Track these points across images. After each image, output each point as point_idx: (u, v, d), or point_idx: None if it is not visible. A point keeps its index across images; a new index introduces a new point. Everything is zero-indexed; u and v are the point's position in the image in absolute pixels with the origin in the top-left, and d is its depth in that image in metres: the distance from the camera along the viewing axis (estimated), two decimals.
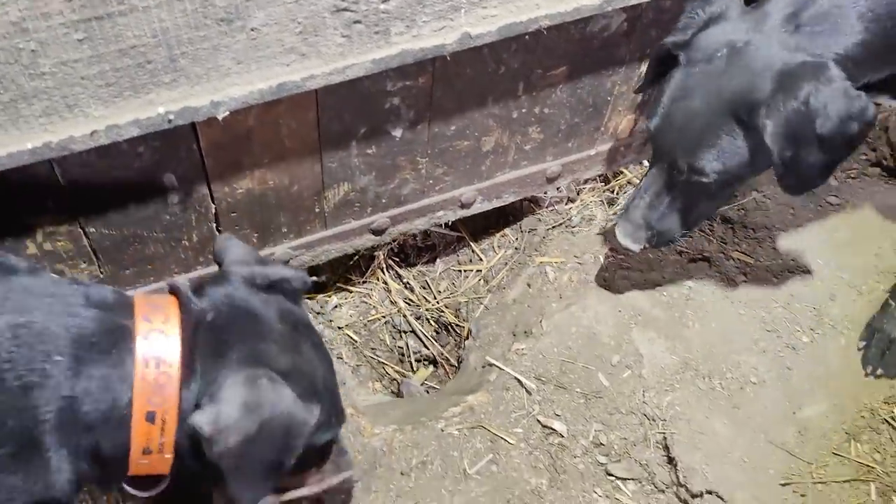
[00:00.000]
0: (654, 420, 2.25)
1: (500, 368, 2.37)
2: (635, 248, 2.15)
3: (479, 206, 2.53)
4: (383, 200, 2.33)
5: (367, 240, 2.42)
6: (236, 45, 1.64)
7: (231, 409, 1.33)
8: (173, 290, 1.48)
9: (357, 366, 2.60)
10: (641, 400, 2.28)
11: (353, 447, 2.19)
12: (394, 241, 2.70)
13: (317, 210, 2.24)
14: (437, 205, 2.43)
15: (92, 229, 1.93)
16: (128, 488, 1.51)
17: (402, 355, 2.71)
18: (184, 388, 1.37)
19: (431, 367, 2.70)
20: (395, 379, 2.66)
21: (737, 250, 2.58)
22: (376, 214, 2.36)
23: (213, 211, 2.07)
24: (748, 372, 2.33)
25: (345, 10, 1.69)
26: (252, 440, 1.34)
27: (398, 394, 2.65)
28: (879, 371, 2.36)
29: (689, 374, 2.32)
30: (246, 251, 1.65)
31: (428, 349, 2.69)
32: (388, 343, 2.69)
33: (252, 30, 1.63)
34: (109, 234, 1.96)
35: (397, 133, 2.12)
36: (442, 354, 2.69)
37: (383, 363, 2.65)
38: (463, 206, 2.48)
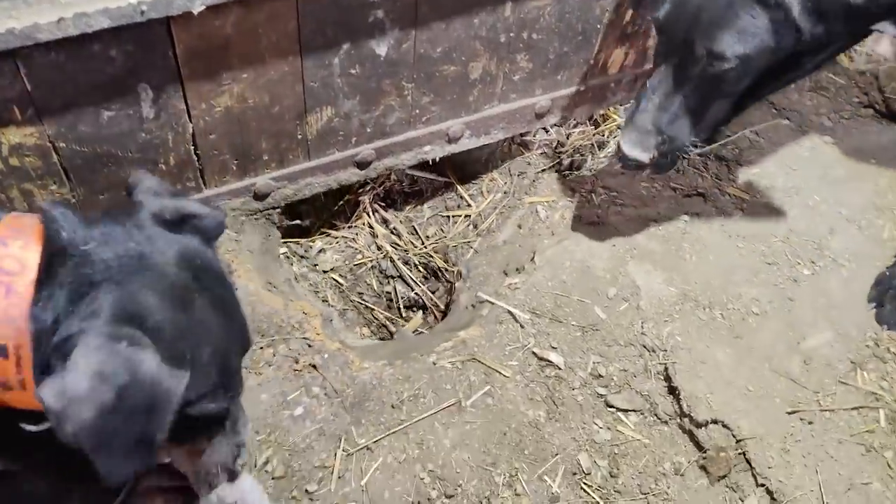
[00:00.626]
0: (653, 351, 2.17)
1: (493, 303, 2.28)
2: (644, 157, 2.02)
3: (467, 142, 2.44)
4: (368, 130, 2.24)
5: (352, 174, 2.33)
6: None
7: (80, 378, 1.14)
8: (47, 215, 1.27)
9: (343, 310, 2.51)
10: (640, 331, 2.20)
11: (340, 381, 2.09)
12: (379, 179, 2.62)
13: (299, 137, 2.15)
14: (424, 138, 2.35)
15: (62, 144, 1.83)
16: (24, 426, 1.31)
17: (391, 300, 2.61)
18: (35, 324, 1.21)
19: (420, 314, 2.60)
20: (384, 325, 2.56)
21: (732, 186, 2.52)
22: (361, 146, 2.27)
23: (191, 131, 1.97)
24: (749, 303, 2.26)
25: None
26: (110, 411, 1.16)
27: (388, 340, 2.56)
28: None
29: (688, 305, 2.24)
30: (159, 184, 1.44)
31: (416, 294, 2.60)
32: (376, 288, 2.59)
33: None
34: (81, 151, 1.86)
35: (382, 51, 2.04)
36: (431, 300, 2.60)
37: (371, 308, 2.55)
38: (451, 141, 2.40)
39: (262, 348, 2.11)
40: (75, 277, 1.23)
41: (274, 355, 2.11)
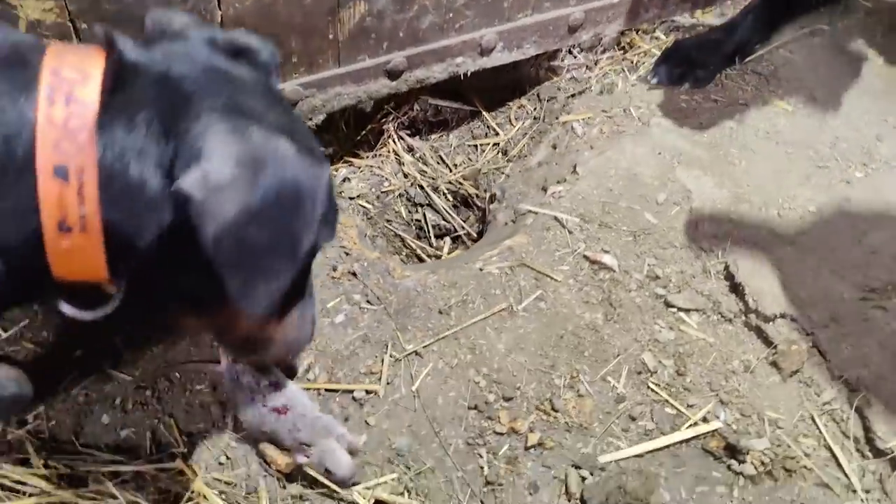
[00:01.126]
0: (712, 251, 2.05)
1: (537, 212, 2.15)
2: None
3: (500, 56, 2.34)
4: (400, 34, 2.13)
5: (382, 85, 2.21)
6: None
7: (222, 165, 0.96)
8: (107, 33, 1.06)
9: (374, 236, 2.36)
10: (696, 232, 2.08)
11: (382, 288, 1.94)
12: (406, 107, 2.50)
13: (330, 37, 2.03)
14: (456, 48, 2.24)
15: (83, 25, 1.69)
16: (65, 308, 1.12)
17: (420, 229, 2.47)
18: (106, 146, 0.99)
19: (450, 241, 2.47)
20: (415, 253, 2.41)
21: (774, 97, 2.43)
22: (393, 52, 2.16)
23: (220, 19, 1.85)
24: (805, 203, 2.15)
25: None
26: (254, 206, 0.97)
27: None
28: None
29: (743, 205, 2.13)
30: (193, 17, 1.23)
31: (448, 222, 2.46)
32: (405, 216, 2.46)
33: None
34: None
35: None
36: (463, 227, 2.47)
37: (401, 235, 2.41)
38: (483, 53, 2.29)
39: None
40: (158, 93, 1.03)
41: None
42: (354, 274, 1.96)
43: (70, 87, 0.99)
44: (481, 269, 2.01)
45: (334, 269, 1.95)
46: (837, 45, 2.63)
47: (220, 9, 1.83)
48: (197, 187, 0.94)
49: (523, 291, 1.98)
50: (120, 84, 1.01)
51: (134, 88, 1.02)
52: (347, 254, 1.99)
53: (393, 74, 2.20)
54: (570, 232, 2.09)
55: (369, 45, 2.11)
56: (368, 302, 1.92)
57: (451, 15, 2.17)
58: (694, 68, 2.44)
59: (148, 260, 1.04)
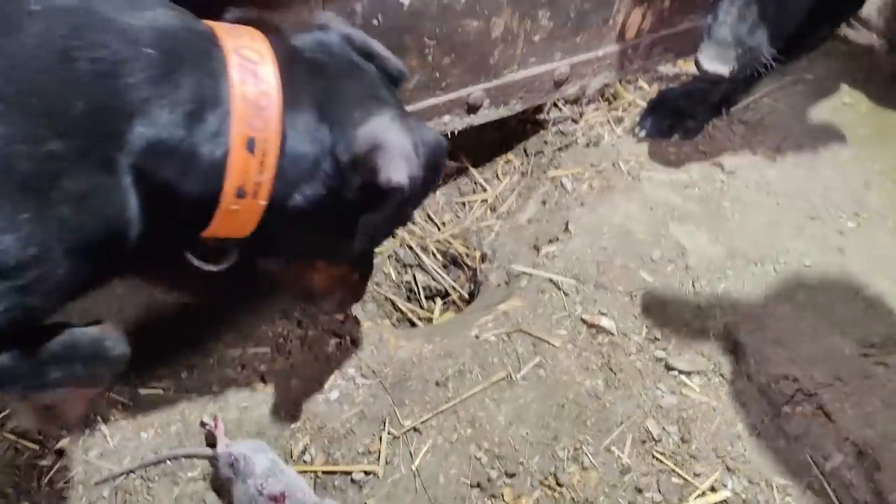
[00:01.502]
0: (710, 309, 2.02)
1: (531, 274, 2.11)
2: (724, 70, 1.93)
3: (486, 113, 2.31)
4: None
5: None
6: None
7: (402, 142, 1.21)
8: (263, 19, 1.25)
9: (364, 301, 2.30)
10: (693, 291, 2.05)
11: (377, 360, 1.89)
12: None
13: None
14: (444, 106, 2.21)
15: None
16: (192, 259, 1.28)
17: (411, 290, 2.42)
18: (288, 116, 1.15)
19: (441, 303, 2.41)
20: (407, 317, 2.35)
21: (762, 146, 2.42)
22: None
23: None
24: (800, 256, 2.13)
25: None
26: (419, 185, 1.27)
27: None
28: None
29: (738, 261, 2.11)
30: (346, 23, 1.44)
31: (438, 282, 2.41)
32: (394, 278, 2.40)
33: None
34: None
35: (405, 0, 1.91)
36: (454, 288, 2.41)
37: (391, 299, 2.35)
38: (470, 111, 2.26)
39: (289, 330, 1.90)
40: (314, 76, 1.21)
41: (301, 335, 1.90)
42: (348, 347, 1.90)
43: (254, 67, 1.12)
44: (477, 337, 1.96)
45: (327, 343, 1.89)
46: (820, 91, 2.63)
47: None
48: (403, 176, 1.18)
49: (521, 359, 1.93)
50: (289, 65, 1.17)
51: (297, 70, 1.19)
52: (341, 324, 1.93)
53: None
54: (565, 294, 2.05)
55: None
56: (363, 376, 1.86)
57: (437, 74, 2.13)
58: (683, 119, 2.43)
59: (286, 221, 1.23)
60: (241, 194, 1.13)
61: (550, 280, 2.07)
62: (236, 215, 1.16)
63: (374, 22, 1.91)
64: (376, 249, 2.38)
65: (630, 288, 2.06)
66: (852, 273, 2.11)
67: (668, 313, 2.02)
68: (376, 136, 1.20)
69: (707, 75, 1.97)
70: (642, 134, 2.44)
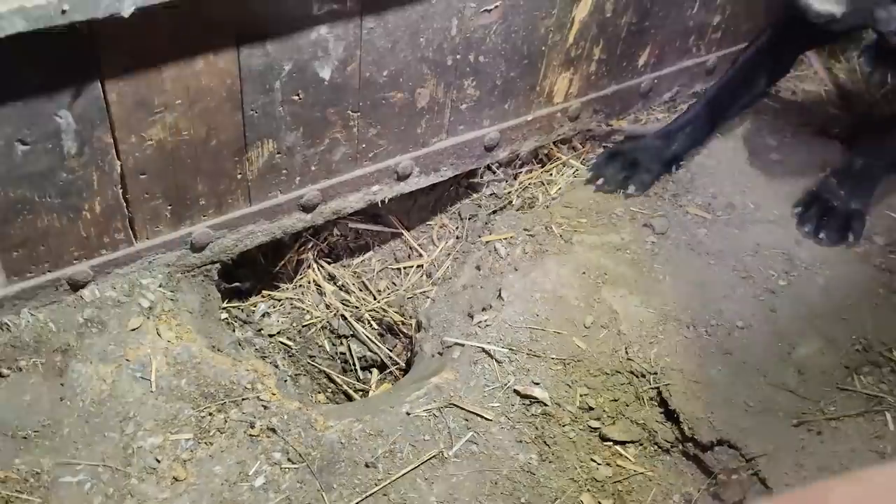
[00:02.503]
0: (643, 376, 2.00)
1: (463, 344, 2.08)
2: (837, 9, 1.85)
3: (417, 181, 2.29)
4: (313, 168, 2.07)
5: (297, 219, 2.13)
6: None
7: None
8: None
9: (296, 375, 2.25)
10: (625, 357, 2.03)
11: (304, 443, 1.83)
12: (325, 233, 2.43)
13: (239, 177, 1.96)
14: (372, 176, 2.19)
15: None
16: None
17: (345, 362, 2.37)
18: None
19: (377, 373, 2.37)
20: (342, 390, 2.31)
21: (693, 205, 2.43)
22: (306, 186, 2.09)
23: (119, 170, 1.76)
24: (732, 317, 2.13)
25: None
26: None
27: None
28: (822, 235, 2.34)
29: (671, 325, 2.10)
30: None
31: (373, 353, 2.37)
32: (328, 349, 2.35)
33: None
34: None
35: (326, 74, 1.89)
36: (390, 357, 2.37)
37: (325, 371, 2.30)
38: (399, 179, 2.24)
39: (211, 414, 1.84)
40: None
41: (225, 421, 1.84)
42: (274, 430, 1.84)
43: None
44: (408, 413, 1.91)
45: (252, 427, 1.83)
46: (750, 147, 2.67)
47: (118, 159, 1.74)
48: None
49: (454, 434, 1.89)
50: None
51: None
52: (266, 407, 1.87)
53: (307, 208, 2.13)
54: (498, 363, 2.02)
55: (281, 180, 2.04)
56: (290, 460, 1.81)
57: (364, 145, 2.12)
58: (638, 172, 2.47)
59: None
60: None
61: (483, 350, 2.04)
62: None
63: (295, 98, 1.89)
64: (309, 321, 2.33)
65: (563, 355, 2.04)
66: (784, 333, 2.12)
67: (601, 380, 2.00)
68: None
69: (817, 16, 1.88)
70: (598, 184, 2.47)
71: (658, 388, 1.97)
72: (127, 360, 1.87)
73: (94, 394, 1.82)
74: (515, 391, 1.97)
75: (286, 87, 1.86)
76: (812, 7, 1.90)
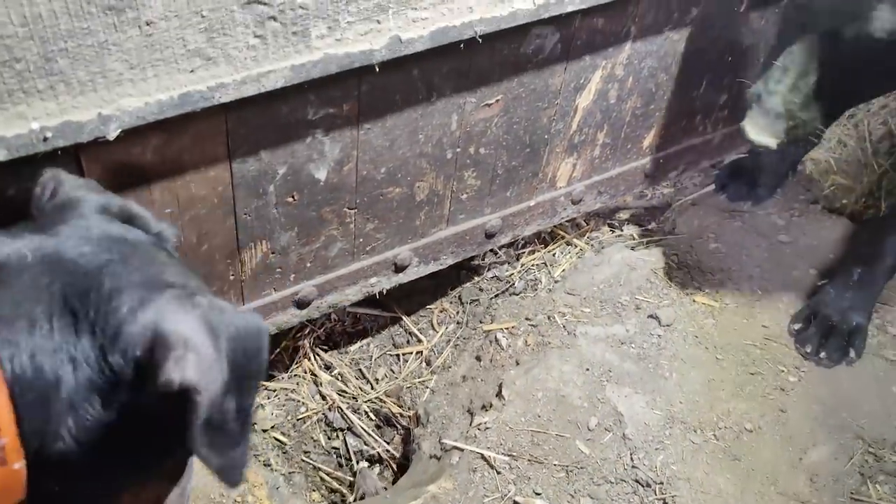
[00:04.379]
0: (648, 485, 1.93)
1: (462, 449, 2.01)
2: (772, 142, 1.87)
3: (416, 270, 2.23)
4: (308, 265, 2.01)
5: (292, 315, 2.07)
6: (128, 42, 1.35)
7: (201, 343, 0.91)
8: None
9: (290, 473, 2.18)
10: (630, 464, 1.96)
11: None
12: (319, 320, 2.37)
13: (231, 278, 1.90)
14: (370, 269, 2.13)
15: None
16: None
17: (340, 456, 2.30)
18: (3, 349, 0.91)
19: (376, 468, 2.30)
20: (335, 489, 2.23)
21: (700, 293, 2.37)
22: (301, 283, 2.03)
23: None
24: (741, 419, 2.06)
25: (256, 2, 1.44)
26: (227, 378, 0.93)
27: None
28: (822, 355, 2.23)
29: (677, 428, 2.03)
30: (87, 181, 1.25)
31: (370, 446, 2.30)
32: (324, 444, 2.28)
33: (147, 24, 1.35)
34: None
35: (322, 175, 1.84)
36: (387, 451, 2.30)
37: (319, 468, 2.23)
38: (398, 270, 2.19)
39: None
40: (53, 278, 0.97)
41: None
42: None
43: None
44: None
45: None
46: (758, 228, 2.61)
47: None
48: (194, 371, 0.89)
49: None
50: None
51: (18, 283, 0.95)
52: None
53: (302, 304, 2.07)
54: (498, 472, 1.95)
55: (275, 279, 1.98)
56: None
57: (361, 240, 2.06)
58: (755, 187, 2.61)
59: (65, 465, 0.96)
60: None
61: (482, 457, 1.97)
62: None
63: (290, 199, 1.84)
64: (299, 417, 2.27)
65: (565, 462, 1.96)
66: (795, 436, 2.04)
67: (604, 490, 1.93)
68: (154, 328, 0.93)
69: (753, 146, 1.92)
70: (723, 198, 2.63)
71: (665, 499, 1.90)
72: None
73: None
74: (515, 503, 1.90)
75: (280, 189, 1.80)
76: (748, 137, 1.93)
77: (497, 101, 2.00)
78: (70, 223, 1.08)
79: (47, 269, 0.98)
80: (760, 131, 1.90)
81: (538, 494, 1.91)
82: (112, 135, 1.40)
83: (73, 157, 1.46)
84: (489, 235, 2.32)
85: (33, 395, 0.91)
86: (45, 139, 1.34)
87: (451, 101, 1.92)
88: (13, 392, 0.89)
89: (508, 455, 1.97)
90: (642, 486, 1.93)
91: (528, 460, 1.96)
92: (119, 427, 0.96)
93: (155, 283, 1.01)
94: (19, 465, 0.90)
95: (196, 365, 0.90)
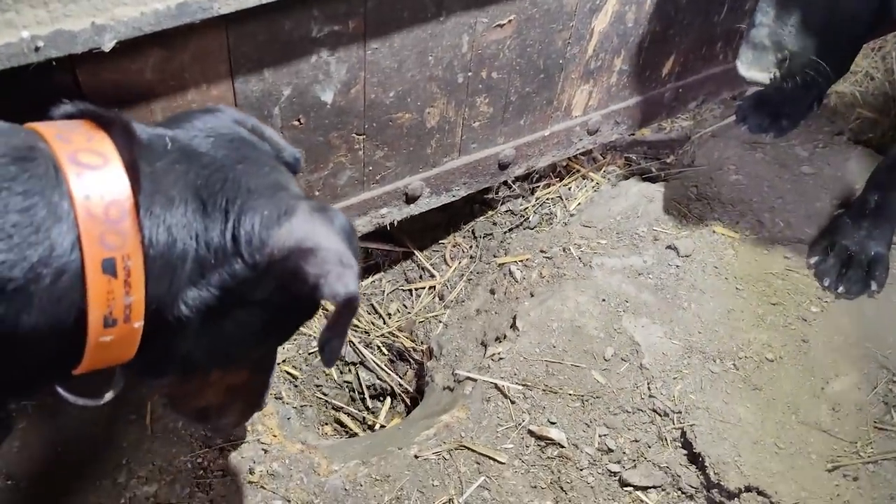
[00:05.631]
0: (666, 415, 1.89)
1: (476, 379, 1.97)
2: (763, 77, 1.81)
3: (427, 202, 2.18)
4: (316, 193, 1.96)
5: None
6: None
7: (336, 245, 1.04)
8: (104, 116, 1.03)
9: (301, 406, 2.16)
10: (647, 394, 1.92)
11: (306, 490, 1.74)
12: None
13: None
14: (380, 199, 2.08)
15: None
16: (65, 395, 1.12)
17: (353, 391, 2.27)
18: (152, 220, 0.99)
19: (389, 402, 2.27)
20: (344, 424, 2.20)
21: (720, 226, 2.30)
22: None
23: None
24: (761, 349, 2.01)
25: None
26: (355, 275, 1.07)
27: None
28: (841, 289, 2.15)
29: (696, 358, 1.98)
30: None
31: (383, 381, 2.27)
32: (336, 378, 2.26)
33: None
34: None
35: (328, 98, 1.78)
36: (400, 385, 2.27)
37: (331, 401, 2.21)
38: (409, 201, 2.13)
39: (210, 460, 1.76)
40: (188, 167, 1.06)
41: (223, 466, 1.76)
42: (274, 475, 1.75)
43: (97, 173, 0.95)
44: (417, 457, 1.81)
45: (251, 472, 1.74)
46: (780, 160, 2.53)
47: None
48: (354, 285, 1.02)
49: (464, 480, 1.79)
50: (147, 161, 1.01)
51: (161, 164, 1.04)
52: (266, 451, 1.78)
53: None
54: (512, 402, 1.91)
55: None
56: None
57: (370, 168, 2.01)
58: (778, 119, 2.41)
59: (174, 334, 1.07)
60: (110, 323, 0.97)
61: (496, 386, 1.93)
62: (110, 346, 1.00)
63: (296, 123, 1.78)
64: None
65: (581, 391, 1.93)
66: (817, 366, 1.99)
67: (621, 419, 1.89)
68: (303, 239, 1.04)
69: (745, 82, 1.87)
70: (744, 130, 2.45)
71: (682, 428, 1.86)
72: (122, 401, 1.79)
73: (86, 439, 1.74)
74: (530, 431, 1.86)
75: (286, 112, 1.75)
76: (740, 73, 1.87)
77: (509, 21, 1.93)
78: (206, 123, 1.17)
79: (184, 157, 1.07)
80: (750, 66, 1.84)
81: (553, 423, 1.87)
82: (107, 46, 1.34)
83: (70, 71, 1.41)
84: (503, 166, 2.26)
85: (162, 263, 1.00)
86: (37, 48, 1.28)
87: (461, 19, 1.84)
88: (147, 256, 0.97)
89: (523, 385, 1.93)
90: (660, 415, 1.89)
91: (543, 390, 1.93)
92: (227, 309, 1.08)
93: (290, 191, 1.13)
94: (139, 324, 0.99)
95: (354, 278, 1.03)
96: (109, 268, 0.93)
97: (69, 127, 1.02)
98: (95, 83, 1.45)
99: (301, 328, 2.29)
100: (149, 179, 1.00)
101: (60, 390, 1.13)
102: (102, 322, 0.95)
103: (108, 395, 1.19)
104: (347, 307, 1.05)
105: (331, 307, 2.33)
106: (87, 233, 0.92)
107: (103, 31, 1.33)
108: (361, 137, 1.92)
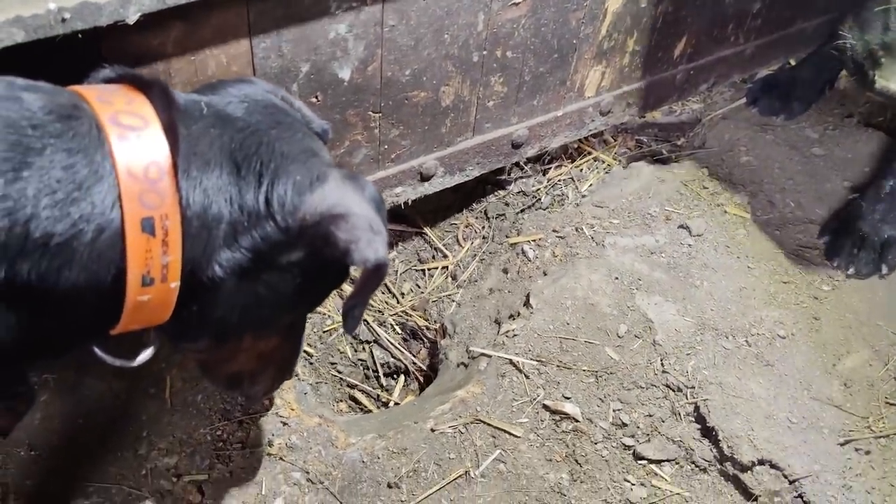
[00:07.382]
0: (679, 390, 1.90)
1: (490, 355, 1.99)
2: None
3: (441, 181, 2.20)
4: None
5: None
6: None
7: (366, 211, 1.07)
8: (142, 79, 1.05)
9: (317, 383, 2.18)
10: (661, 369, 1.94)
11: (324, 462, 1.76)
12: None
13: None
14: (395, 178, 2.09)
15: None
16: (101, 354, 1.15)
17: (367, 368, 2.29)
18: (189, 181, 1.01)
19: (402, 380, 2.29)
20: (367, 395, 2.23)
21: (732, 205, 2.31)
22: None
23: None
24: (774, 326, 2.03)
25: None
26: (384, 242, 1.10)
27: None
28: (851, 270, 2.17)
29: (709, 334, 2.00)
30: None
31: (396, 359, 2.29)
32: (350, 356, 2.28)
33: None
34: None
35: (345, 75, 1.79)
36: (413, 363, 2.29)
37: (345, 379, 2.23)
38: (423, 180, 2.15)
39: (229, 433, 1.78)
40: (223, 131, 1.07)
41: (242, 438, 1.78)
42: (293, 448, 1.77)
43: (138, 134, 0.98)
44: (433, 430, 1.83)
45: (270, 444, 1.77)
46: (791, 141, 2.54)
47: None
48: (384, 251, 1.05)
49: (480, 453, 1.81)
50: (185, 123, 1.04)
51: (197, 128, 1.06)
52: (285, 423, 1.80)
53: None
54: (527, 377, 1.93)
55: None
56: (310, 480, 1.74)
57: (386, 146, 2.02)
58: (790, 101, 2.56)
59: (208, 296, 1.09)
60: (147, 282, 0.99)
61: (511, 362, 1.95)
62: (147, 305, 1.02)
63: (314, 100, 1.80)
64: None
65: (595, 367, 1.94)
66: (829, 343, 2.01)
67: (635, 394, 1.91)
68: (334, 205, 1.07)
69: (886, 96, 1.80)
70: (754, 112, 2.58)
71: (696, 403, 1.88)
72: (141, 375, 1.81)
73: (107, 411, 1.76)
74: (545, 406, 1.88)
75: (304, 88, 1.76)
76: (889, 91, 1.80)
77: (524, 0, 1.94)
78: (240, 90, 1.19)
79: (219, 122, 1.09)
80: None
81: (567, 398, 1.89)
82: (132, 18, 1.36)
83: (94, 43, 1.42)
84: (516, 146, 2.28)
85: (198, 224, 1.02)
86: (64, 20, 1.30)
87: None
88: (184, 217, 1.00)
89: (537, 360, 1.95)
90: (673, 390, 1.91)
91: (557, 366, 1.94)
92: (259, 273, 1.10)
93: (322, 158, 1.16)
94: (175, 284, 1.01)
95: (384, 245, 1.06)
96: (148, 227, 0.95)
97: (109, 90, 1.04)
98: (118, 57, 1.47)
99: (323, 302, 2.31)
100: (186, 142, 1.02)
101: (97, 350, 1.15)
102: (140, 280, 0.98)
103: (143, 357, 1.22)
104: (376, 273, 1.08)
105: (348, 292, 2.35)
106: (126, 192, 0.94)
107: (128, 4, 1.35)
108: (377, 115, 1.93)
